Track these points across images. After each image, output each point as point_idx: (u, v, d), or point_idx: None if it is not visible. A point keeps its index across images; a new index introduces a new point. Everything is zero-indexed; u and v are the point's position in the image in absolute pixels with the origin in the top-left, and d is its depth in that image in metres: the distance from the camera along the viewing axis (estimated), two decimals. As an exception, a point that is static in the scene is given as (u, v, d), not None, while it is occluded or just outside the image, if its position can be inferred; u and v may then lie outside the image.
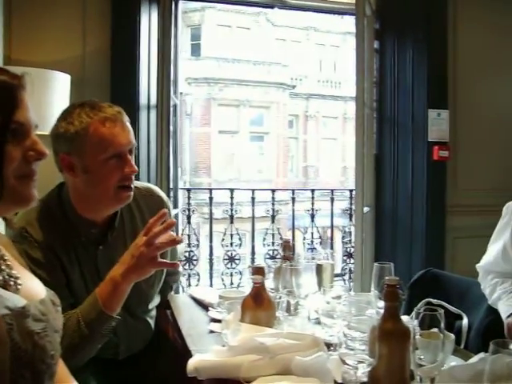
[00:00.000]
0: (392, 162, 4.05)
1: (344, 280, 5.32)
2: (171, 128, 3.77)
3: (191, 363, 1.57)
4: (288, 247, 2.23)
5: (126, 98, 3.28)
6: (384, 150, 4.11)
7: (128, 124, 1.84)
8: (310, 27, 23.20)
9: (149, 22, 3.52)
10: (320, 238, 5.54)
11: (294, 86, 21.94)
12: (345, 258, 5.45)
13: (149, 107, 3.54)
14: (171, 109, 3.74)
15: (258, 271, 1.83)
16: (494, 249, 2.22)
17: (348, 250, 5.42)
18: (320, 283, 2.00)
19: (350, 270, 5.29)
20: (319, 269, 2.02)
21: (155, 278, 2.02)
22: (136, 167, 1.83)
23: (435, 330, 1.71)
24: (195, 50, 20.96)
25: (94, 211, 1.86)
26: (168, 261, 1.82)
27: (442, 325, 1.24)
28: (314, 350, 1.51)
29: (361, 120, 3.63)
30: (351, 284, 4.79)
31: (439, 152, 3.86)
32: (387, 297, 1.35)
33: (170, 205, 2.17)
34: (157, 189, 2.15)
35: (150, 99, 3.54)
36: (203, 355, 1.62)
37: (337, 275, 5.42)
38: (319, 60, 23.80)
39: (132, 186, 1.85)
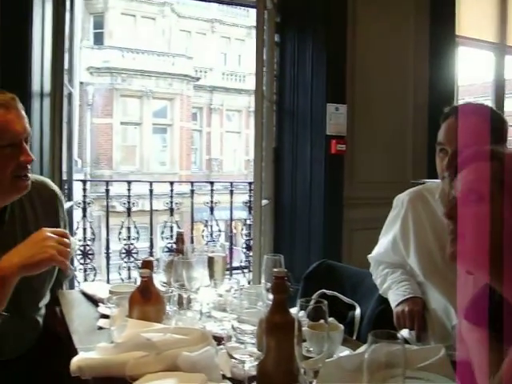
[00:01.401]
0: (291, 154, 4.08)
1: (244, 273, 5.33)
2: (65, 117, 3.63)
3: (74, 362, 1.49)
4: (181, 240, 2.18)
5: (16, 84, 3.08)
6: (283, 143, 4.14)
7: (22, 111, 1.76)
8: (216, 20, 23.20)
9: (42, 7, 3.34)
10: (219, 230, 5.52)
11: (198, 79, 21.84)
12: (245, 250, 5.46)
13: (42, 95, 3.37)
14: (65, 98, 3.60)
15: (146, 265, 1.78)
16: (384, 240, 2.26)
17: (248, 242, 5.43)
18: (212, 276, 1.97)
19: (249, 262, 5.30)
20: (211, 261, 1.98)
21: (47, 275, 1.93)
22: (33, 156, 1.75)
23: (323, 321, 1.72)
24: (98, 38, 20.42)
25: None
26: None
27: (327, 316, 1.23)
28: (201, 344, 1.47)
29: (260, 113, 3.62)
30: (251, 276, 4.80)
31: (337, 145, 3.92)
32: (275, 289, 1.34)
33: (63, 198, 2.10)
34: (49, 182, 2.08)
35: (43, 87, 3.38)
36: (87, 353, 1.54)
37: (237, 268, 5.43)
38: (224, 53, 23.82)
39: (29, 175, 1.77)
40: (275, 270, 1.33)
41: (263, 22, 3.78)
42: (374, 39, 4.19)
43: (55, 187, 2.07)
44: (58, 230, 1.73)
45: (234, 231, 7.68)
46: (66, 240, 1.68)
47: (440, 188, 2.08)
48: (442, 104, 2.13)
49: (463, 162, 1.30)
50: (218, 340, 1.59)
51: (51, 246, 1.63)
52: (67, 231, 1.88)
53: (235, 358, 1.35)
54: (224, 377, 1.46)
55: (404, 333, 2.09)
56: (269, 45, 4.05)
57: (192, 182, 5.83)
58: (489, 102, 5.32)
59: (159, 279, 2.14)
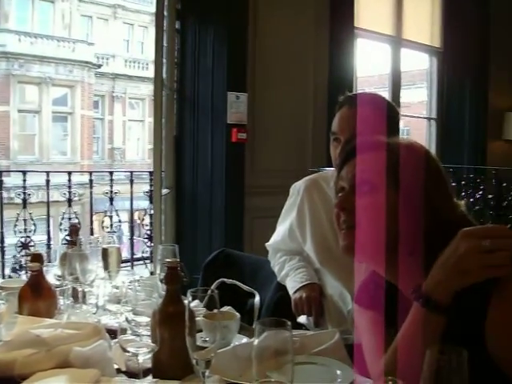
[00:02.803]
0: (192, 143, 4.06)
1: (146, 264, 5.25)
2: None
3: (-42, 364, 1.41)
4: (75, 232, 2.12)
5: None
6: (184, 131, 4.11)
7: None
8: (118, 5, 22.62)
9: None
10: (119, 221, 5.39)
11: (99, 66, 21.26)
12: (146, 240, 5.37)
13: None
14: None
15: (35, 258, 1.70)
16: (281, 228, 2.29)
17: (150, 232, 5.34)
18: (106, 268, 1.92)
19: (151, 252, 5.22)
20: (105, 253, 1.93)
21: None
22: None
23: (224, 309, 1.72)
24: (-8, 21, 19.42)
25: None
26: None
27: (218, 305, 1.22)
28: (94, 339, 1.43)
29: (159, 101, 3.57)
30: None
31: (238, 134, 3.94)
32: (167, 279, 1.32)
33: None
34: None
35: None
36: (-28, 354, 1.46)
37: (139, 259, 5.34)
38: (127, 40, 23.32)
39: None
40: (168, 260, 1.31)
41: (163, 8, 3.72)
42: (276, 29, 4.22)
43: None
44: None
45: (138, 221, 7.57)
46: None
47: (334, 176, 2.11)
48: (341, 93, 2.17)
49: (356, 152, 1.29)
50: (113, 333, 1.55)
51: None
52: None
53: (128, 351, 1.32)
54: (119, 371, 1.43)
55: (302, 319, 2.12)
56: (169, 32, 3.99)
57: (91, 172, 5.68)
58: (386, 93, 5.50)
59: (54, 272, 2.07)
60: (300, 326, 2.10)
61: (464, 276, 1.07)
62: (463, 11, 5.52)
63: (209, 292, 1.26)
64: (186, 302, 1.32)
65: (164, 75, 3.87)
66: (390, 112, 2.00)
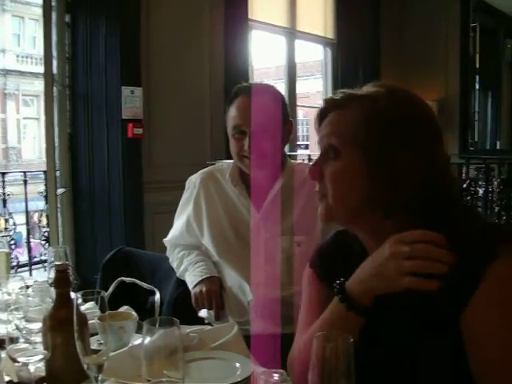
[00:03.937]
0: (87, 140, 3.95)
1: (45, 267, 5.06)
2: None
3: None
4: (-40, 237, 2.01)
5: None
6: (78, 128, 4.00)
7: None
8: (6, -4, 21.67)
9: None
10: (14, 224, 5.17)
11: (-11, 62, 20.39)
12: (44, 242, 5.18)
13: None
14: None
15: None
16: (179, 222, 2.27)
17: (48, 234, 5.15)
18: (-6, 274, 1.84)
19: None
20: (-7, 259, 1.85)
21: None
22: None
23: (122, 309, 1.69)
24: None
25: None
26: None
27: (106, 306, 1.18)
28: (-19, 351, 1.36)
29: (50, 97, 3.47)
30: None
31: (134, 129, 3.87)
32: (57, 283, 1.28)
33: None
34: None
35: None
36: None
37: (38, 262, 5.16)
38: (17, 34, 22.37)
39: None
40: (56, 263, 1.27)
41: (51, 0, 3.60)
42: (170, 21, 4.19)
43: None
44: None
45: (39, 223, 7.31)
46: None
47: (230, 168, 2.12)
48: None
49: (320, 115, 1.21)
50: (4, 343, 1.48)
51: None
52: None
53: (18, 362, 1.27)
54: (12, 382, 1.37)
55: (203, 313, 2.12)
56: (59, 25, 3.87)
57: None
58: (283, 84, 5.58)
59: None
60: (201, 321, 2.09)
61: (381, 281, 1.05)
62: (355, 3, 5.66)
63: (101, 294, 1.23)
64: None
65: (55, 70, 3.76)
66: (283, 102, 2.05)
